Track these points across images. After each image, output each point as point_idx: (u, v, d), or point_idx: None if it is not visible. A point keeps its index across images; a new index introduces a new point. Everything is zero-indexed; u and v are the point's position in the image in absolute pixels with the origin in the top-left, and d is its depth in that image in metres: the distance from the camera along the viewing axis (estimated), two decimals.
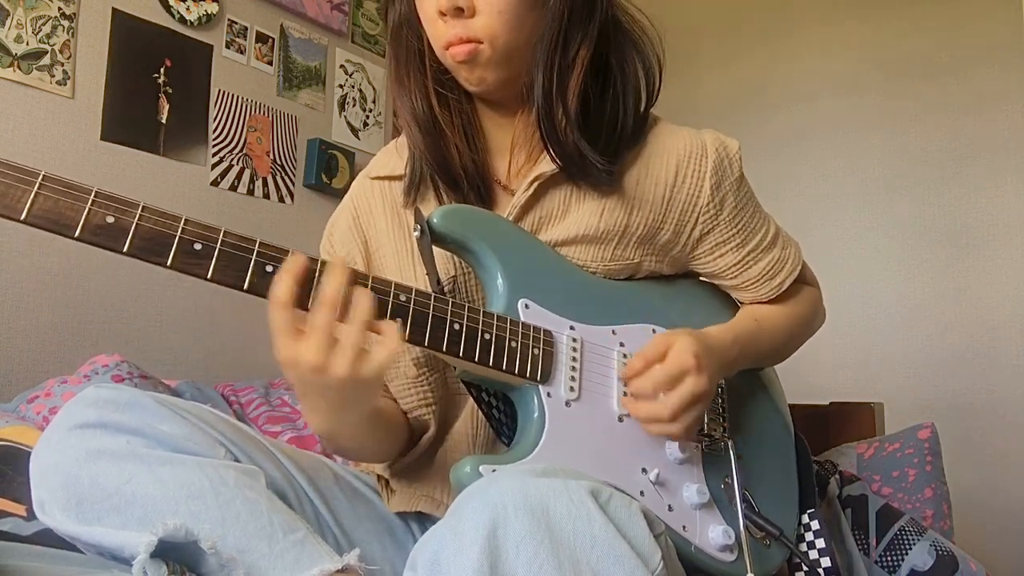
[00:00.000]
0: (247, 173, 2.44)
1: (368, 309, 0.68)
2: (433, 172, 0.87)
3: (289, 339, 0.66)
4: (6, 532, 0.93)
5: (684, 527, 0.80)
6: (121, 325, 2.10)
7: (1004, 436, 2.25)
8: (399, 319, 0.72)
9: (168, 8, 2.25)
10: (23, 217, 0.59)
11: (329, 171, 2.63)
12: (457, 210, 0.83)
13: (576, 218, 0.88)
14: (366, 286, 0.71)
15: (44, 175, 0.60)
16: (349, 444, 0.80)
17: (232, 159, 2.40)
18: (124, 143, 2.13)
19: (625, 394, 0.82)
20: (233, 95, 2.41)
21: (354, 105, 2.82)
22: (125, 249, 0.62)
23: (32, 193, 0.60)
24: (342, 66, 2.79)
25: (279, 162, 2.54)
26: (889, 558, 1.05)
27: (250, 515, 0.69)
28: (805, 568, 0.90)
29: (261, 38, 2.51)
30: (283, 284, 0.65)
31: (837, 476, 1.17)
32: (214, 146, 2.35)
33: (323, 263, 0.69)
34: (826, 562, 0.90)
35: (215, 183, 2.35)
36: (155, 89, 2.21)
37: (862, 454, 1.27)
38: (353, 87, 2.83)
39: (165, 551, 0.62)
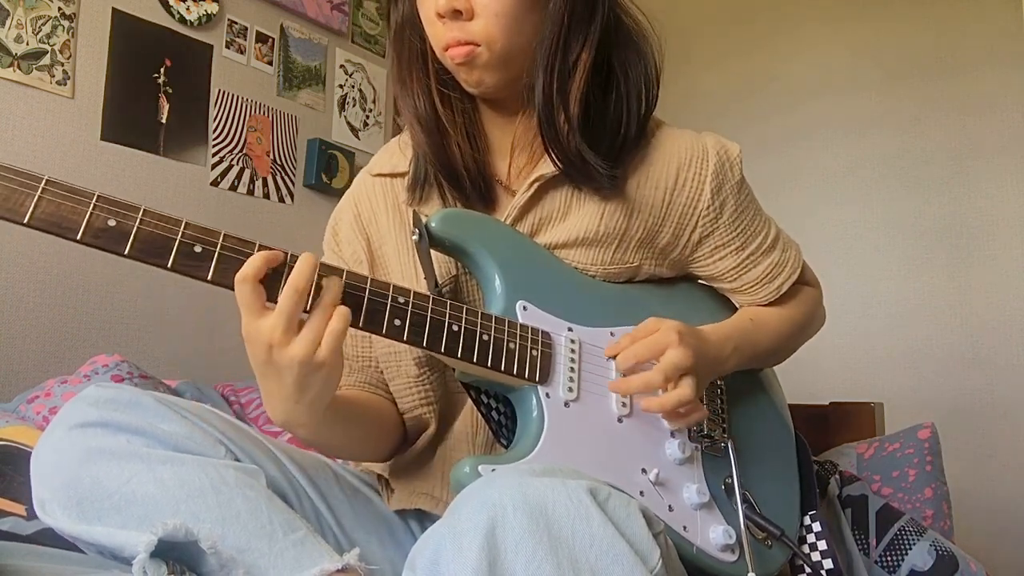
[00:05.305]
0: (247, 173, 2.44)
1: (335, 296, 0.69)
2: (436, 171, 0.87)
3: (254, 315, 0.67)
4: (6, 532, 0.94)
5: (685, 527, 0.80)
6: (121, 325, 2.10)
7: (1004, 436, 2.25)
8: (398, 320, 0.73)
9: (168, 8, 2.25)
10: (27, 220, 0.61)
11: (329, 171, 2.63)
12: (454, 214, 0.83)
13: (576, 220, 0.88)
14: (364, 287, 0.71)
15: (47, 180, 0.61)
16: (309, 436, 0.79)
17: (232, 159, 2.40)
18: (124, 143, 2.13)
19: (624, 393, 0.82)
20: (233, 95, 2.42)
21: (354, 105, 2.82)
22: (126, 252, 0.63)
23: (35, 197, 0.61)
24: (342, 66, 2.79)
25: (279, 162, 2.54)
26: (889, 558, 1.05)
27: (250, 514, 0.69)
28: (808, 569, 0.90)
29: (261, 38, 2.51)
30: (254, 262, 0.66)
31: (837, 476, 1.16)
32: (214, 146, 2.35)
33: (295, 256, 0.70)
34: (828, 564, 0.89)
35: (215, 183, 2.35)
36: (155, 89, 2.21)
37: (862, 454, 1.27)
38: (353, 87, 2.83)
39: (165, 550, 0.63)
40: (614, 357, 0.83)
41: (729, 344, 0.87)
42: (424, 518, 0.93)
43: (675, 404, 0.79)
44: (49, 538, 0.86)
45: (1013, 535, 2.19)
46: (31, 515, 0.96)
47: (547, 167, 0.86)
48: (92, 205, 0.62)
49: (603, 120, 0.86)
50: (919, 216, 2.47)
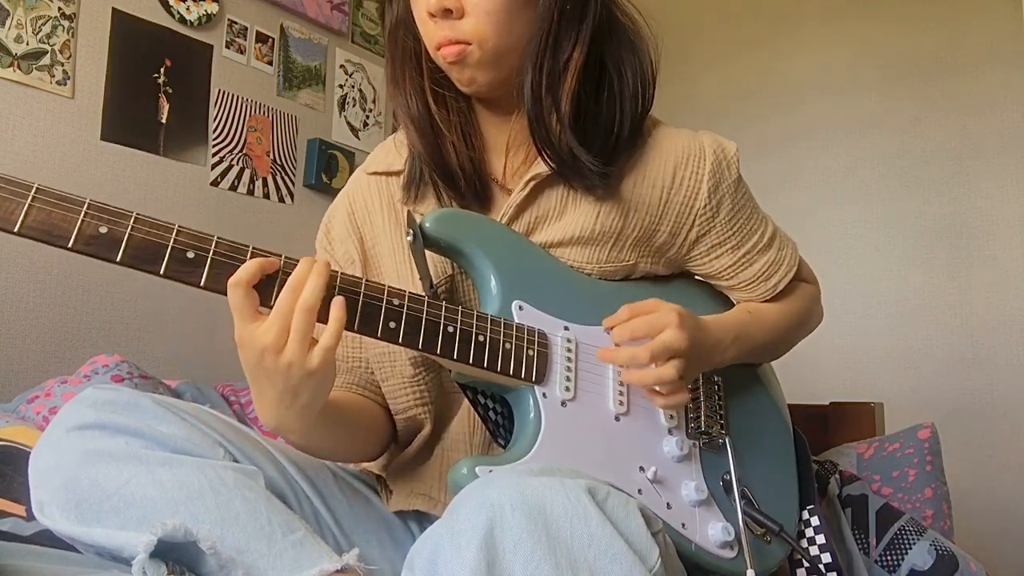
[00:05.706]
0: (247, 173, 2.44)
1: (315, 295, 0.68)
2: (431, 171, 0.87)
3: (247, 320, 0.68)
4: (6, 532, 0.94)
5: (683, 525, 0.80)
6: (121, 325, 2.10)
7: (1004, 436, 2.25)
8: (393, 322, 0.72)
9: (168, 8, 2.25)
10: (17, 229, 0.60)
11: (329, 171, 2.63)
12: (449, 215, 0.83)
13: (572, 219, 0.88)
14: (359, 290, 0.71)
15: (37, 187, 0.61)
16: (300, 441, 0.79)
17: (232, 159, 2.40)
18: (124, 143, 2.13)
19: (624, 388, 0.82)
20: (233, 95, 2.42)
21: (354, 105, 2.83)
22: (118, 259, 0.63)
23: (25, 206, 0.60)
24: (342, 66, 2.79)
25: (279, 162, 2.54)
26: (889, 558, 1.05)
27: (249, 515, 0.69)
28: (806, 564, 0.90)
29: (261, 38, 2.51)
30: (248, 267, 0.67)
31: (837, 476, 1.17)
32: (214, 146, 2.35)
33: (290, 261, 0.70)
34: (827, 558, 0.90)
35: (215, 183, 2.35)
36: (155, 89, 2.21)
37: (862, 454, 1.27)
38: (353, 87, 2.83)
39: (164, 551, 0.62)
40: (611, 329, 0.83)
41: (729, 335, 0.87)
42: (423, 519, 0.93)
43: (654, 381, 0.79)
44: (49, 538, 0.86)
45: (1013, 535, 2.18)
46: (31, 515, 0.96)
47: (542, 166, 0.86)
48: (83, 212, 0.62)
49: (596, 119, 0.86)
50: (919, 216, 2.46)
